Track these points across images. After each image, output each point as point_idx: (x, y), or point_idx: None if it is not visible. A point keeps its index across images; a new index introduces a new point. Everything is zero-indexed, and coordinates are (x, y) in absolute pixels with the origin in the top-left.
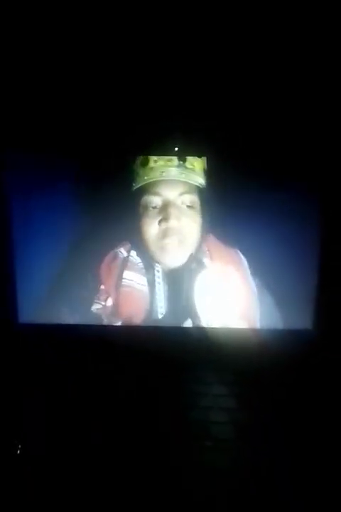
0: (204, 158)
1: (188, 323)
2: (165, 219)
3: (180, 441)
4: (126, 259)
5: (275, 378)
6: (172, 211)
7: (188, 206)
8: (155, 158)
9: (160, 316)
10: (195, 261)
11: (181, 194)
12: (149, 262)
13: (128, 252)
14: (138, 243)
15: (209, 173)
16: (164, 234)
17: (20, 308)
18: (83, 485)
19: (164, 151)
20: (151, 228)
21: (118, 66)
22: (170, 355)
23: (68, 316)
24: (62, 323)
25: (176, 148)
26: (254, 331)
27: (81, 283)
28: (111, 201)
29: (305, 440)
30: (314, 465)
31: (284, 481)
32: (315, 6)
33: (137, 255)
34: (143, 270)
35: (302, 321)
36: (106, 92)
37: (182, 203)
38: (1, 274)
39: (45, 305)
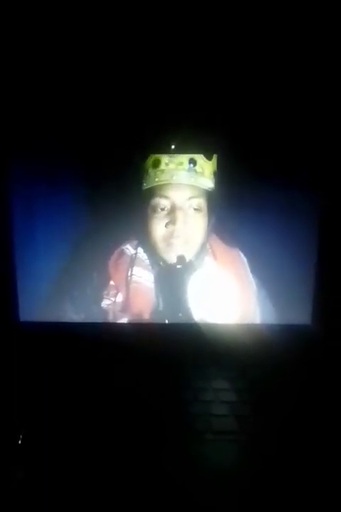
0: (215, 161)
1: (191, 320)
2: (172, 222)
3: (182, 433)
4: (134, 256)
5: (276, 373)
6: (180, 215)
7: (195, 209)
8: (166, 160)
9: (163, 314)
10: (198, 260)
11: (189, 198)
12: (155, 260)
13: (136, 248)
14: (145, 241)
15: (218, 173)
16: (170, 235)
17: (21, 306)
18: (85, 482)
19: (171, 148)
20: (158, 229)
21: (125, 60)
22: (171, 351)
23: (71, 314)
24: (65, 321)
25: (180, 145)
26: (255, 327)
27: (86, 281)
28: (119, 199)
29: (306, 433)
30: (315, 460)
31: (285, 476)
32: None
33: (144, 252)
34: (150, 267)
35: (302, 317)
36: (112, 90)
37: (190, 207)
38: (2, 271)
39: (48, 303)
